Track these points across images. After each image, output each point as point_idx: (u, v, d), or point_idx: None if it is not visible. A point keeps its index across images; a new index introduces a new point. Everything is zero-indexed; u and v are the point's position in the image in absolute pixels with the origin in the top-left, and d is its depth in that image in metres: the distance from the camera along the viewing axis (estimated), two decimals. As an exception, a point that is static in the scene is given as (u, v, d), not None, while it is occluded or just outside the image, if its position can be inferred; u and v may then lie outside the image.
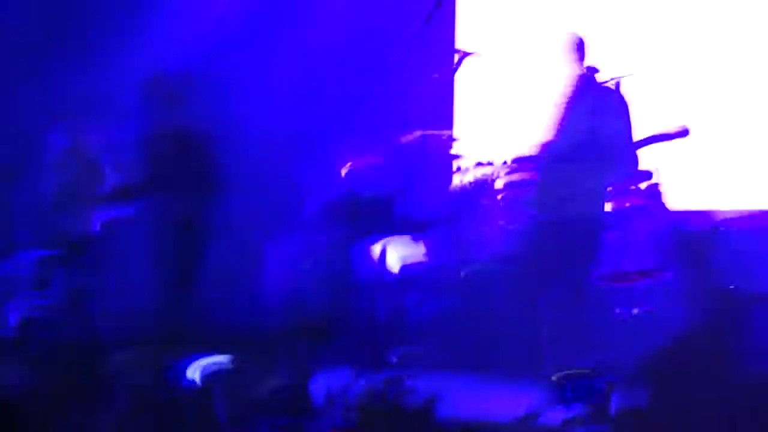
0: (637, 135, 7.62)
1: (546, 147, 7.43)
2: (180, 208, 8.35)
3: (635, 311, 9.29)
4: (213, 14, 12.27)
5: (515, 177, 8.11)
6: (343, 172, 11.31)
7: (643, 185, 10.01)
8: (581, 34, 7.56)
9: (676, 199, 10.22)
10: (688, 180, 10.63)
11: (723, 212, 10.28)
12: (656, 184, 10.03)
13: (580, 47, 7.44)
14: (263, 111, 12.16)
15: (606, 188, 7.45)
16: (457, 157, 11.28)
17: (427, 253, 10.03)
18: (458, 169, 11.19)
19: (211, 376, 6.26)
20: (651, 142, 7.37)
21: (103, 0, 12.25)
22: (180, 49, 11.84)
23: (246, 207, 11.65)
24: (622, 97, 7.52)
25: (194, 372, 6.30)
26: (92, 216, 9.84)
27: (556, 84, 7.50)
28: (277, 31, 12.27)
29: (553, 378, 6.52)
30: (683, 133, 7.42)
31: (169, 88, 8.29)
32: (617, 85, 9.85)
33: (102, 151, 9.73)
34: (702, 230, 9.05)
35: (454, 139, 11.36)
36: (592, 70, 8.80)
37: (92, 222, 9.83)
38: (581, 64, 7.45)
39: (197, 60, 11.94)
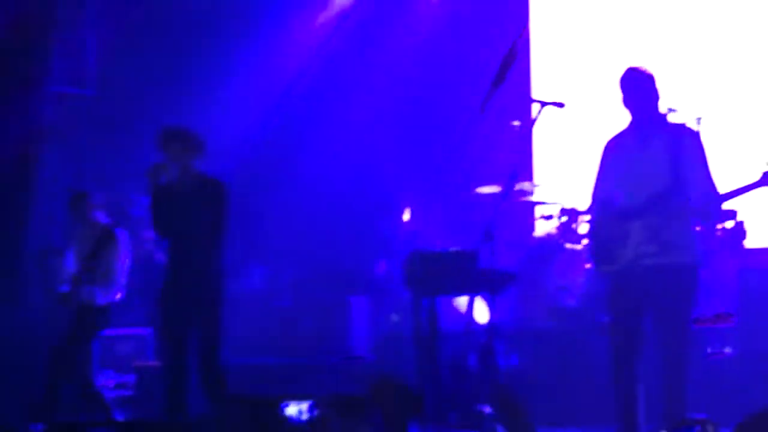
0: (720, 181, 7.47)
1: (627, 198, 7.29)
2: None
3: (727, 350, 9.22)
4: (292, 65, 12.52)
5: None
6: (426, 225, 11.43)
7: (727, 225, 9.98)
8: (653, 73, 7.37)
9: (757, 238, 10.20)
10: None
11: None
12: (740, 223, 9.99)
13: (651, 87, 7.27)
14: (345, 167, 12.31)
15: (693, 232, 7.30)
16: (539, 204, 11.36)
17: (513, 305, 10.08)
18: (542, 216, 11.26)
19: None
20: (738, 194, 7.17)
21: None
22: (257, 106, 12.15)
23: (329, 262, 11.81)
24: (698, 138, 7.36)
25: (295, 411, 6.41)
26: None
27: (632, 128, 7.38)
28: (356, 85, 12.44)
29: (679, 423, 6.42)
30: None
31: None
32: (695, 124, 9.89)
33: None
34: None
35: (535, 187, 11.43)
36: (668, 111, 8.75)
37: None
38: (656, 105, 7.31)
39: (274, 118, 12.24)
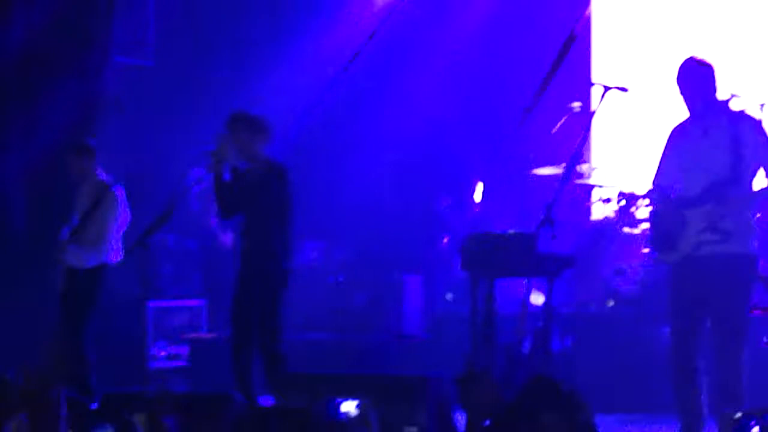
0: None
1: (688, 186, 7.25)
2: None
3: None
4: (351, 43, 12.51)
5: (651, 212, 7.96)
6: (486, 206, 11.39)
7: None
8: (711, 63, 7.32)
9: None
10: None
11: None
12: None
13: (710, 77, 7.22)
14: (403, 145, 12.29)
15: (752, 222, 7.25)
16: (598, 187, 11.28)
17: (569, 289, 10.02)
18: (600, 199, 11.19)
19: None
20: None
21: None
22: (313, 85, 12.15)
23: (384, 240, 11.80)
24: (760, 125, 7.29)
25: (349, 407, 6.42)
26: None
27: (693, 117, 7.33)
28: (415, 64, 12.39)
29: (736, 416, 6.34)
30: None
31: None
32: (757, 110, 9.77)
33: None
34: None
35: (594, 170, 11.35)
36: (730, 98, 8.64)
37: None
38: (714, 95, 7.26)
39: (331, 96, 12.24)
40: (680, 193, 7.19)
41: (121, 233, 8.99)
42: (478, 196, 11.45)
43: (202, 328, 11.23)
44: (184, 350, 10.88)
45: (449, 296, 10.95)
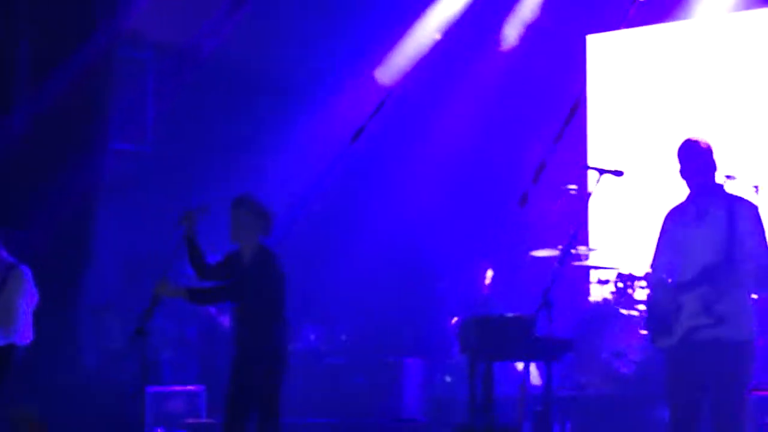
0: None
1: (684, 270, 7.26)
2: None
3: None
4: (348, 126, 12.63)
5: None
6: (475, 290, 11.41)
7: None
8: (710, 144, 7.36)
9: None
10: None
11: None
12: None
13: (708, 159, 7.25)
14: (402, 228, 12.34)
15: (748, 304, 7.25)
16: (595, 269, 11.31)
17: (567, 371, 10.01)
18: (598, 281, 11.21)
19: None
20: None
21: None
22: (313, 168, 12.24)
23: (384, 323, 11.81)
24: (755, 209, 7.32)
25: None
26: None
27: (689, 199, 7.36)
28: (413, 146, 12.50)
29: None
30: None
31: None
32: (753, 192, 9.83)
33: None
34: None
35: (591, 252, 11.39)
36: (726, 179, 8.69)
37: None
38: (713, 176, 7.29)
39: (330, 179, 12.33)
40: (676, 278, 7.20)
41: (30, 313, 8.79)
42: (487, 280, 11.47)
43: (201, 414, 11.18)
44: (183, 436, 10.84)
45: (448, 379, 10.93)
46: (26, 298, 8.76)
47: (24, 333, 8.74)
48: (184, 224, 8.23)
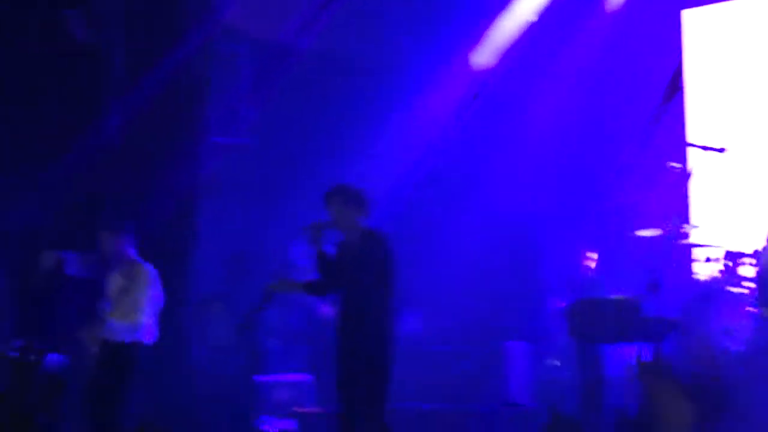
0: None
1: None
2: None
3: None
4: (444, 114, 12.61)
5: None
6: (582, 272, 11.32)
7: None
8: None
9: None
10: None
11: None
12: None
13: None
14: (505, 210, 12.31)
15: None
16: (701, 246, 11.16)
17: (676, 350, 9.91)
18: (706, 259, 11.06)
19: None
20: None
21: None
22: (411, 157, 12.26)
23: (487, 306, 11.79)
24: None
25: None
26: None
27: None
28: (513, 131, 12.46)
29: None
30: None
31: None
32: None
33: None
34: None
35: (695, 230, 11.25)
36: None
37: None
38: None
39: (429, 165, 12.33)
40: None
41: (155, 313, 9.01)
42: (592, 263, 11.36)
43: (310, 403, 11.27)
44: (292, 425, 10.92)
45: (555, 362, 10.88)
46: (151, 296, 8.94)
47: (149, 331, 8.94)
48: (311, 234, 8.24)
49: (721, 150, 7.80)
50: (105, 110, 11.02)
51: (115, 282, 9.01)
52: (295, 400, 11.28)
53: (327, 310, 10.78)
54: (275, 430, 10.98)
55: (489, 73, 12.76)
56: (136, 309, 8.88)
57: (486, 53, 12.80)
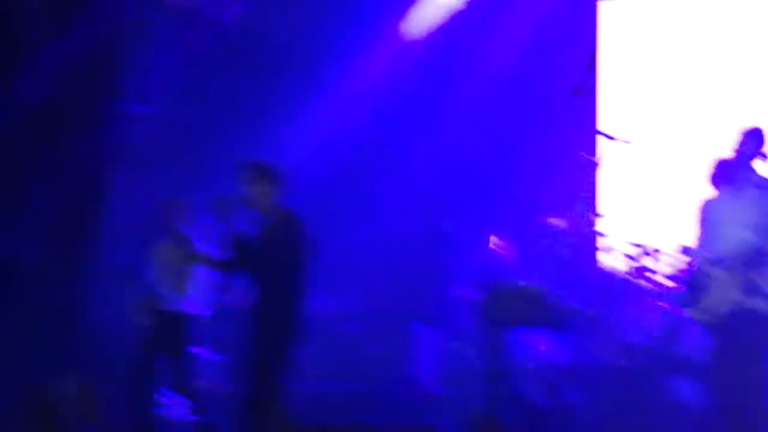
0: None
1: (721, 248, 7.34)
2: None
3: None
4: (355, 103, 12.61)
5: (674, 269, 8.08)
6: (489, 258, 11.42)
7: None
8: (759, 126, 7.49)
9: None
10: None
11: None
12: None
13: (759, 137, 7.35)
14: (412, 194, 12.36)
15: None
16: (607, 237, 11.31)
17: (577, 341, 10.05)
18: (605, 248, 11.21)
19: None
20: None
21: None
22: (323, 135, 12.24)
23: (395, 289, 11.83)
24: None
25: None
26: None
27: (717, 175, 7.43)
28: (423, 114, 12.50)
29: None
30: None
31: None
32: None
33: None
34: None
35: (602, 220, 11.38)
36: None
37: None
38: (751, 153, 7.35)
39: (338, 143, 12.32)
40: (713, 255, 7.36)
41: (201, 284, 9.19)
42: (497, 248, 11.46)
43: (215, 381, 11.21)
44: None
45: (461, 347, 10.96)
46: (203, 271, 9.09)
47: (196, 303, 9.17)
48: (219, 209, 8.20)
49: (627, 142, 7.94)
50: (15, 75, 10.84)
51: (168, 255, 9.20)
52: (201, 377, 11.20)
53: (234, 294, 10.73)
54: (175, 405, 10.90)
55: (409, 53, 12.75)
56: (183, 280, 9.08)
57: (415, 25, 12.80)
